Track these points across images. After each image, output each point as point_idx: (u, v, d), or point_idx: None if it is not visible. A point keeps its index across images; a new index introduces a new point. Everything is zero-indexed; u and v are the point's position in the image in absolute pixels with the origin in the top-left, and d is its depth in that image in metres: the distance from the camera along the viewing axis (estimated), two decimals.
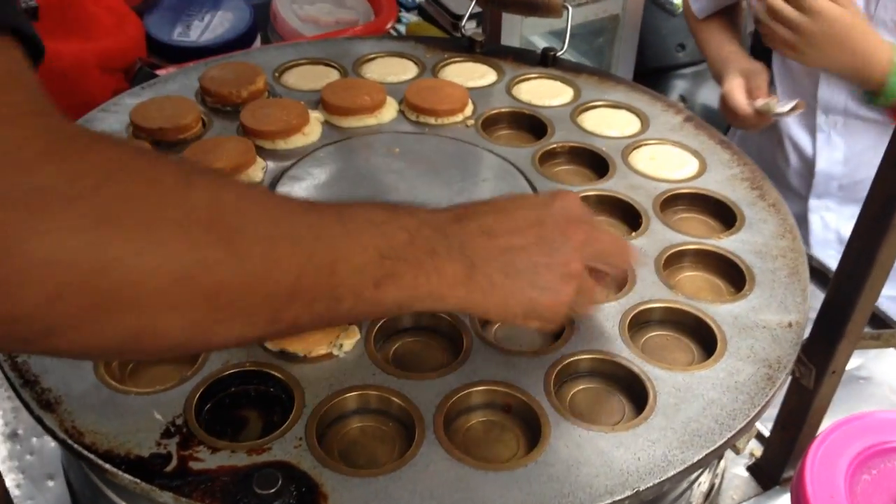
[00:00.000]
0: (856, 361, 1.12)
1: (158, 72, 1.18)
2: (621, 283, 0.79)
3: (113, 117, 1.01)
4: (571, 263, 0.61)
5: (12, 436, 0.94)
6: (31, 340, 0.42)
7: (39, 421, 0.65)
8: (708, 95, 2.26)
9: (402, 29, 1.84)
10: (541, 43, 1.87)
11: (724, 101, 1.27)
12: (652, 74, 2.25)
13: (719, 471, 0.85)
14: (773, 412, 0.87)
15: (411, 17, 1.91)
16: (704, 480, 0.81)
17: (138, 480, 0.60)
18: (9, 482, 0.89)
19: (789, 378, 0.82)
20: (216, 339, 0.47)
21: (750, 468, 0.94)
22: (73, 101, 1.09)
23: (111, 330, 0.42)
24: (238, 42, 1.40)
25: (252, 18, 1.65)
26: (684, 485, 0.75)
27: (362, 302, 0.53)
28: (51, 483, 0.89)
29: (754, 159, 1.00)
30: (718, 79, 1.35)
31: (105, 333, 0.42)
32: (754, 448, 0.96)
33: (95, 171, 0.40)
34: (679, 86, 2.29)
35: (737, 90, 1.25)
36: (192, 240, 0.43)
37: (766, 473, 0.92)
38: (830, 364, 0.79)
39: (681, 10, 2.26)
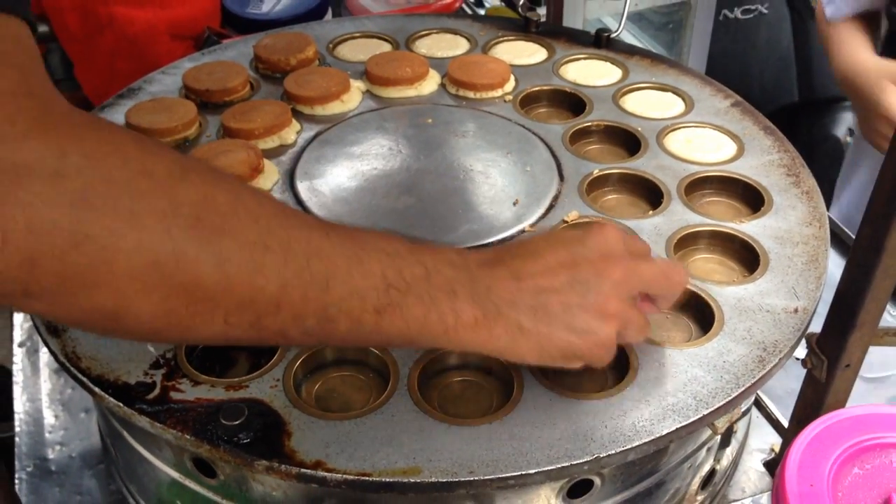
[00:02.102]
0: None
1: (224, 41, 1.24)
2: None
3: (170, 79, 1.07)
4: (609, 302, 0.58)
5: (58, 371, 1.01)
6: (11, 298, 0.44)
7: (46, 344, 0.70)
8: None
9: (481, 13, 1.85)
10: (613, 25, 1.83)
11: (887, 117, 1.18)
12: (821, 104, 2.11)
13: (723, 457, 0.83)
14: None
15: (494, 1, 1.92)
16: (703, 463, 0.80)
17: (121, 404, 0.64)
18: (49, 413, 0.96)
19: (803, 368, 0.80)
20: (196, 333, 0.48)
21: (767, 463, 0.91)
22: (141, 66, 1.15)
23: (87, 303, 0.44)
24: (308, 16, 1.44)
25: None
26: (672, 461, 0.73)
27: (360, 327, 0.51)
28: (83, 415, 0.95)
29: None
30: (849, 87, 1.28)
31: (81, 305, 0.44)
32: (775, 444, 0.93)
33: (82, 152, 0.42)
34: (848, 119, 2.09)
35: None
36: (172, 232, 0.44)
37: None
38: (843, 357, 0.76)
39: None
